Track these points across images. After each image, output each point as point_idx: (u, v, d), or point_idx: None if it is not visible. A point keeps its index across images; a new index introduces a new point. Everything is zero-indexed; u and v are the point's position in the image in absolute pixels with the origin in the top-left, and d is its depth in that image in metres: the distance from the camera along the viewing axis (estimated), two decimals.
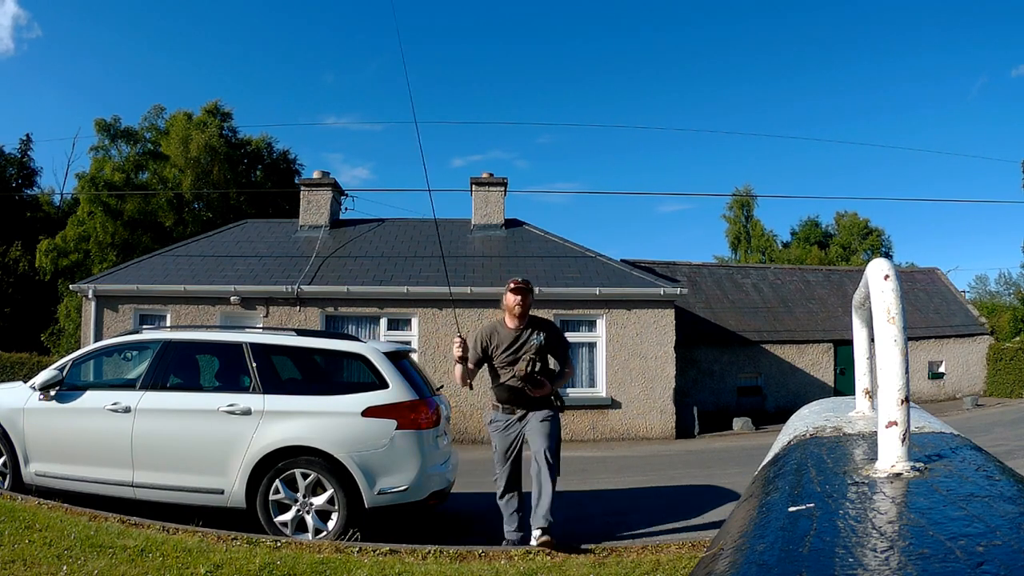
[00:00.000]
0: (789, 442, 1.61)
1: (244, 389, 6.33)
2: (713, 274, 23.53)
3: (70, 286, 17.17)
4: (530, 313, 5.83)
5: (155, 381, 6.54)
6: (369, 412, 6.02)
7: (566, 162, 76.83)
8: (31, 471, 6.63)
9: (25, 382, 7.16)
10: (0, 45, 60.68)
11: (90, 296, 15.20)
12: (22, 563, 4.28)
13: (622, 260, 17.96)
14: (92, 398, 6.58)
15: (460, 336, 5.68)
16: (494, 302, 15.19)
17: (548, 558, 5.06)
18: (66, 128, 78.49)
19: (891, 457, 1.04)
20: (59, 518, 5.59)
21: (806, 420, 1.90)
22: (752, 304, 21.96)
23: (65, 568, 4.28)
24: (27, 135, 39.35)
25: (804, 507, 0.92)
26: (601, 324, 15.35)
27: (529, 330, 5.70)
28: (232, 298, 14.87)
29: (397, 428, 6.01)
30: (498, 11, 74.91)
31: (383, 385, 6.19)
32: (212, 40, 66.75)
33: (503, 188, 18.29)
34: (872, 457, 1.11)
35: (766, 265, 29.80)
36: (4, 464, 6.76)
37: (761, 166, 73.22)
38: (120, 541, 4.99)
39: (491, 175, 18.38)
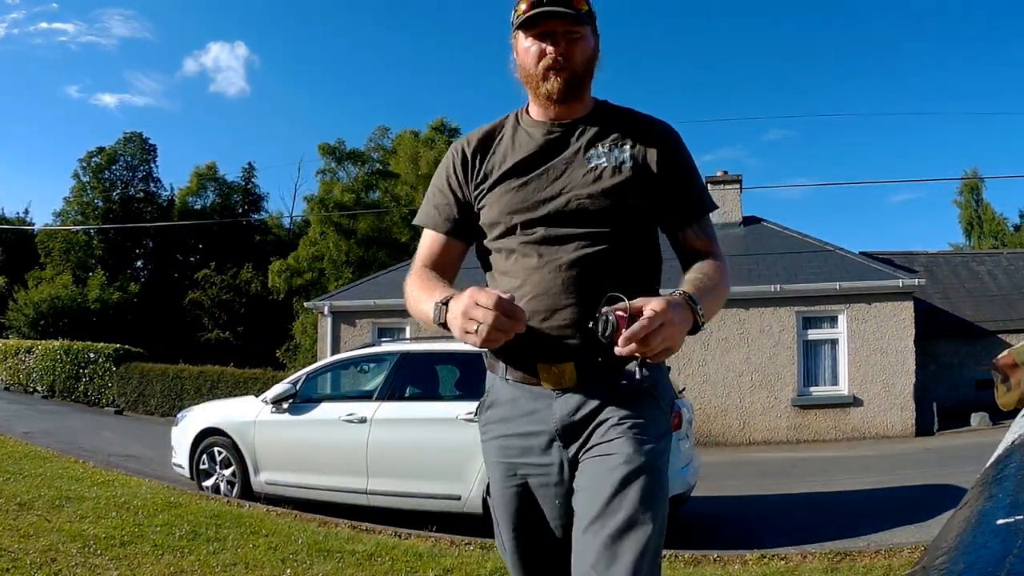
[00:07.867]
0: (1014, 440, 1.31)
1: None
2: (948, 262, 21.45)
3: (305, 304, 18.02)
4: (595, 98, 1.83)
5: (392, 392, 6.66)
6: None
7: (796, 157, 71.63)
8: (261, 480, 6.88)
9: (256, 396, 7.51)
10: (233, 87, 64.31)
11: (326, 312, 15.92)
12: (244, 566, 4.23)
13: (861, 252, 16.89)
14: (327, 409, 6.78)
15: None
16: (744, 301, 14.36)
17: (782, 563, 5.01)
18: (285, 156, 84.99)
19: None
20: (287, 524, 5.61)
21: None
22: (987, 292, 19.73)
23: (289, 571, 4.19)
24: (249, 163, 42.83)
25: (1012, 519, 0.74)
26: (842, 319, 14.52)
27: (592, 130, 1.76)
28: None
29: None
30: None
31: None
32: (436, 60, 67.31)
33: (738, 185, 17.92)
34: None
35: (999, 251, 26.78)
36: (233, 473, 7.05)
37: (986, 146, 65.07)
38: (349, 546, 4.89)
39: (725, 173, 18.00)
